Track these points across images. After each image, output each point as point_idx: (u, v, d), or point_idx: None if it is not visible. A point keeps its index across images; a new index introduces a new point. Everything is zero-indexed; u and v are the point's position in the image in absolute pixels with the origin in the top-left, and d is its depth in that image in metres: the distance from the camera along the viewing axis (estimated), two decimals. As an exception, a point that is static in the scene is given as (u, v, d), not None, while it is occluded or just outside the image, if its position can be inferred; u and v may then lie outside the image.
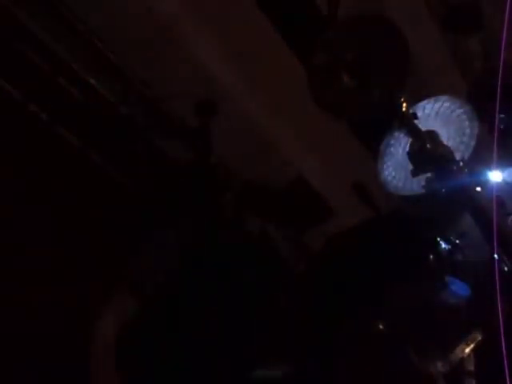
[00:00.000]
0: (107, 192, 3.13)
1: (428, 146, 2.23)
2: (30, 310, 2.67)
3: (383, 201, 3.55)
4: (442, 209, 2.48)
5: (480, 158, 2.33)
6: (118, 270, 3.02)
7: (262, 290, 3.41)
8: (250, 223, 3.68)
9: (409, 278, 3.07)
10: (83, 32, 2.90)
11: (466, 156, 2.27)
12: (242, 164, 3.48)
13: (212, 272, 3.28)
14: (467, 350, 2.84)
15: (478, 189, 2.32)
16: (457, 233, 2.83)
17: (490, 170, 2.41)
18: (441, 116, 2.43)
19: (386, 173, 2.53)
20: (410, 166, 2.32)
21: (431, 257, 2.94)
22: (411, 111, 2.21)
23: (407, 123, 2.21)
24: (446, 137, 2.34)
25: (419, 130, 2.24)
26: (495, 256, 2.24)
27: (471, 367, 2.84)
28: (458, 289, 2.95)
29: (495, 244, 2.20)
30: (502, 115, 2.49)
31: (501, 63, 2.22)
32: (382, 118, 2.36)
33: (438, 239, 2.86)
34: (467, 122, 2.36)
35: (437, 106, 2.46)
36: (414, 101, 2.40)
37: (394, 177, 2.49)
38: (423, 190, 2.31)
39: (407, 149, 2.36)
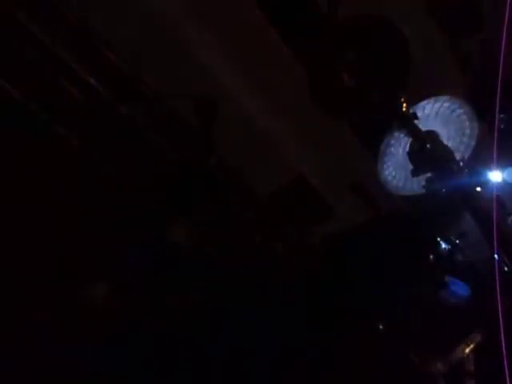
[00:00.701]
0: (107, 192, 3.12)
1: (428, 146, 2.23)
2: (30, 310, 2.68)
3: (383, 201, 3.55)
4: (442, 209, 2.48)
5: (480, 157, 2.33)
6: (118, 270, 3.03)
7: (261, 289, 3.41)
8: (250, 223, 3.68)
9: (409, 278, 3.07)
10: (83, 32, 2.90)
11: (466, 156, 2.28)
12: (242, 164, 3.48)
13: (212, 272, 3.28)
14: (467, 350, 2.84)
15: (478, 189, 2.32)
16: (457, 233, 2.83)
17: (490, 169, 2.41)
18: (441, 116, 2.43)
19: (386, 173, 2.54)
20: (410, 166, 2.32)
21: (431, 257, 2.94)
22: (411, 111, 2.21)
23: (407, 123, 2.21)
24: (446, 137, 2.34)
25: (419, 130, 2.24)
26: (495, 256, 2.24)
27: (471, 367, 2.85)
28: (458, 289, 2.95)
29: (495, 244, 2.20)
30: (502, 115, 2.49)
31: (501, 63, 2.22)
32: (382, 118, 2.36)
33: (438, 239, 2.86)
34: (467, 122, 2.36)
35: (437, 106, 2.46)
36: (414, 101, 2.40)
37: (394, 177, 2.50)
38: (423, 190, 2.31)
39: (407, 149, 2.36)
